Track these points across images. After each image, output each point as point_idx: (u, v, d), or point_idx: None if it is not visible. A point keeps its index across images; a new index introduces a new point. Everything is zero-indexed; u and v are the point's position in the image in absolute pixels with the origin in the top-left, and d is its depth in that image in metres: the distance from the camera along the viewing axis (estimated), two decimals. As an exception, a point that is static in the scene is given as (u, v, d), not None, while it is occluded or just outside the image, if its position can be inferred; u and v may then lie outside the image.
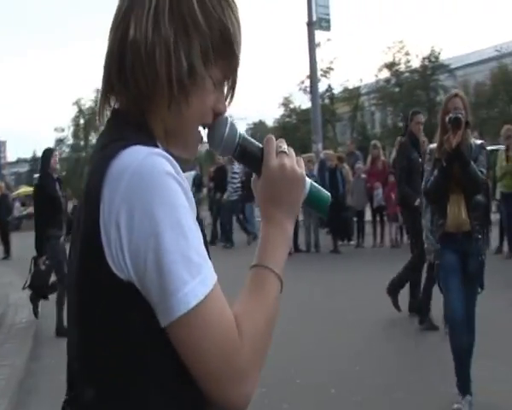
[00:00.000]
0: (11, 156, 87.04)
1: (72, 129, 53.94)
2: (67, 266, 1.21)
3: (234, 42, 1.12)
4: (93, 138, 51.13)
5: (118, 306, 1.01)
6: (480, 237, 4.47)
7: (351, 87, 50.75)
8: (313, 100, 20.40)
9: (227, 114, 1.20)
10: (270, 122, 56.71)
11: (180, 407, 1.05)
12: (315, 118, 19.77)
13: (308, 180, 1.23)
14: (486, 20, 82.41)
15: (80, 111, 52.97)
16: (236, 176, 15.96)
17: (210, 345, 0.99)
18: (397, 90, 48.48)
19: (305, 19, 20.06)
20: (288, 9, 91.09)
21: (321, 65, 32.50)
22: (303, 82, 48.42)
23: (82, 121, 53.18)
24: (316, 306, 8.32)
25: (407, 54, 48.04)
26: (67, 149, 54.51)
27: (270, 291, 1.10)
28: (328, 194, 1.28)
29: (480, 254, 4.48)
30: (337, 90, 50.80)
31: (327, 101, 46.54)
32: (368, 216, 13.80)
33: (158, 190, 0.96)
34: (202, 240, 1.04)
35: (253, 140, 1.21)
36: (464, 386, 4.38)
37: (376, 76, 49.80)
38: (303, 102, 50.52)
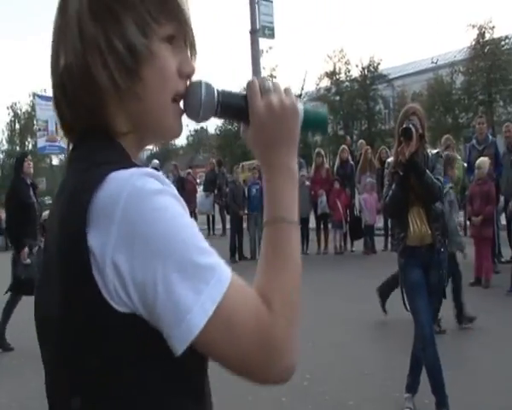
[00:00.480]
0: None
1: (6, 134, 52.55)
2: (39, 294, 1.08)
3: None
4: (29, 143, 49.96)
5: (116, 337, 0.94)
6: (442, 250, 4.49)
7: (292, 95, 51.33)
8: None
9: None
10: (211, 129, 56.58)
11: None
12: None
13: (301, 105, 1.16)
14: (423, 32, 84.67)
15: (15, 115, 51.70)
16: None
17: (243, 337, 0.94)
18: (337, 98, 49.23)
19: (249, 27, 20.07)
20: (231, 17, 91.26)
21: (263, 73, 32.62)
22: (245, 89, 48.60)
23: (17, 126, 51.92)
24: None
25: (347, 63, 48.95)
26: (1, 155, 53.13)
27: (291, 246, 1.06)
28: (325, 110, 1.24)
29: (442, 268, 4.51)
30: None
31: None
32: (312, 223, 13.84)
33: (153, 217, 0.90)
34: (199, 232, 0.97)
35: (232, 91, 1.15)
36: (441, 401, 4.40)
37: (317, 84, 50.47)
38: (244, 109, 50.81)
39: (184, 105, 1.10)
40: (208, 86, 1.10)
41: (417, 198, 4.44)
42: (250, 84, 1.11)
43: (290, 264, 1.04)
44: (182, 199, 0.98)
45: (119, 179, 0.92)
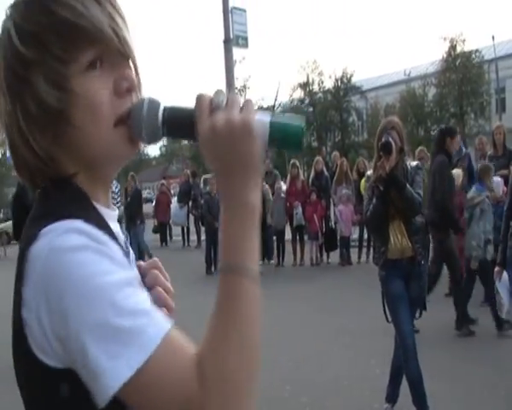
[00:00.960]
0: None
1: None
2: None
3: (76, 25, 0.95)
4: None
5: (51, 391, 0.93)
6: (423, 262, 4.49)
7: (265, 106, 51.30)
8: (231, 118, 20.28)
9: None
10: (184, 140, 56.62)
11: None
12: (233, 136, 19.67)
13: (266, 118, 0.98)
14: (396, 44, 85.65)
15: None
16: (115, 196, 15.13)
17: (163, 405, 0.87)
18: (310, 110, 49.44)
19: (222, 36, 20.09)
20: (204, 26, 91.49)
21: (236, 83, 32.70)
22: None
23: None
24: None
25: (320, 74, 49.23)
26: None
27: (242, 306, 0.91)
28: (300, 121, 1.01)
29: (422, 280, 4.51)
30: (252, 109, 51.43)
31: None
32: (287, 235, 13.81)
33: (69, 275, 0.86)
34: (137, 287, 0.92)
35: (183, 107, 1.01)
36: None
37: (291, 95, 50.64)
38: (218, 120, 50.86)
39: (130, 125, 1.01)
40: (152, 104, 1.00)
41: (398, 212, 4.43)
42: (198, 100, 0.97)
43: (237, 329, 0.90)
44: (115, 252, 0.92)
45: (47, 235, 0.89)
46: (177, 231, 19.91)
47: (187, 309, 6.03)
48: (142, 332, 0.85)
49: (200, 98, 0.97)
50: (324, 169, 13.75)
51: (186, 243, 19.04)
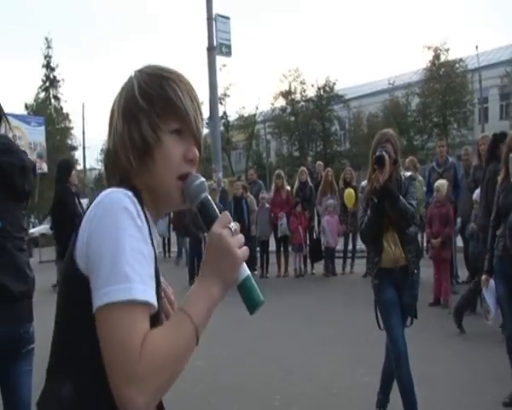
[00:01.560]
0: None
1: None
2: None
3: (175, 104, 1.44)
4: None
5: (81, 296, 1.27)
6: (416, 271, 4.53)
7: (246, 115, 51.23)
8: (213, 127, 20.25)
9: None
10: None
11: None
12: (215, 146, 19.65)
13: (246, 271, 1.37)
14: (379, 53, 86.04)
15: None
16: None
17: (110, 346, 1.19)
18: (292, 119, 49.25)
19: (206, 44, 20.08)
20: (187, 33, 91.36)
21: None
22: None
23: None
24: (220, 336, 8.12)
25: (303, 83, 49.08)
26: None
27: (183, 333, 1.27)
28: (261, 298, 1.37)
29: (414, 289, 4.54)
30: (232, 117, 51.10)
31: (222, 128, 46.67)
32: (271, 246, 13.71)
33: (109, 217, 1.26)
34: (147, 265, 1.27)
35: (215, 208, 1.42)
36: None
37: (272, 104, 50.51)
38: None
39: (183, 186, 1.43)
40: (202, 184, 1.42)
41: (392, 224, 4.49)
42: (223, 215, 1.40)
43: (175, 342, 1.24)
44: (144, 227, 1.30)
45: (109, 191, 1.33)
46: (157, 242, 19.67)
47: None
48: (130, 281, 1.20)
49: (225, 215, 1.40)
50: (308, 179, 13.65)
51: (167, 255, 18.84)
